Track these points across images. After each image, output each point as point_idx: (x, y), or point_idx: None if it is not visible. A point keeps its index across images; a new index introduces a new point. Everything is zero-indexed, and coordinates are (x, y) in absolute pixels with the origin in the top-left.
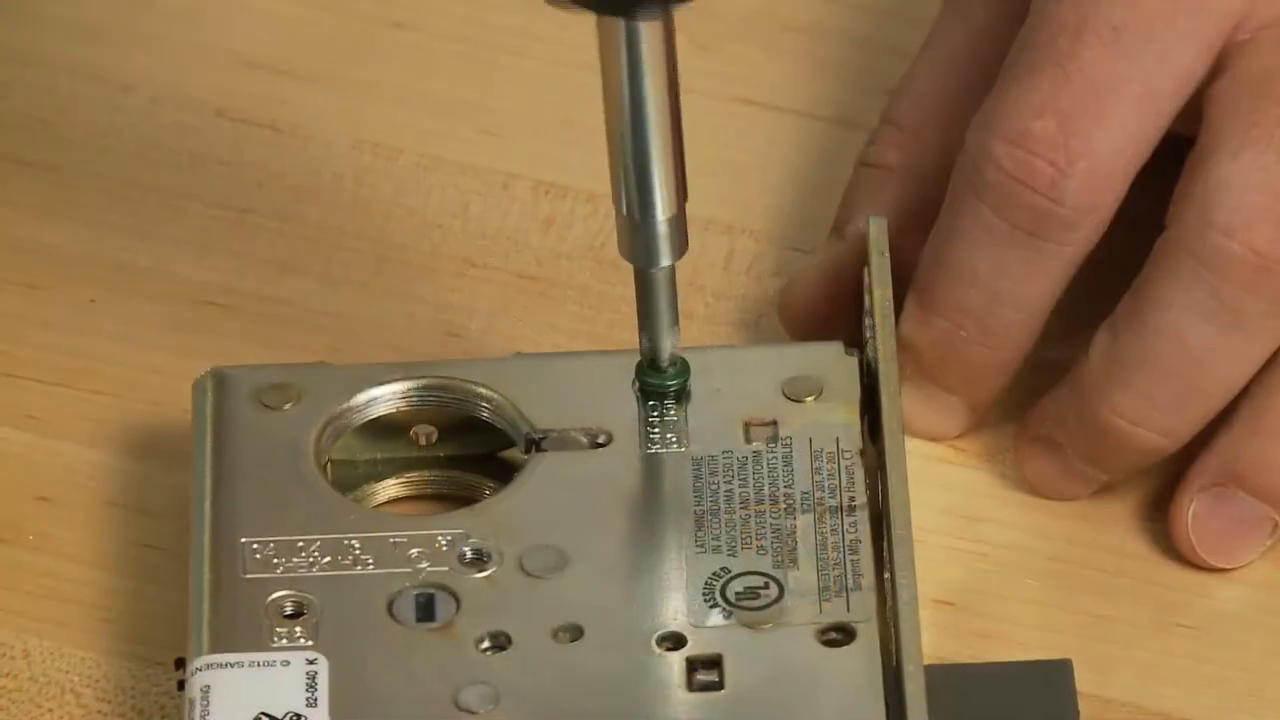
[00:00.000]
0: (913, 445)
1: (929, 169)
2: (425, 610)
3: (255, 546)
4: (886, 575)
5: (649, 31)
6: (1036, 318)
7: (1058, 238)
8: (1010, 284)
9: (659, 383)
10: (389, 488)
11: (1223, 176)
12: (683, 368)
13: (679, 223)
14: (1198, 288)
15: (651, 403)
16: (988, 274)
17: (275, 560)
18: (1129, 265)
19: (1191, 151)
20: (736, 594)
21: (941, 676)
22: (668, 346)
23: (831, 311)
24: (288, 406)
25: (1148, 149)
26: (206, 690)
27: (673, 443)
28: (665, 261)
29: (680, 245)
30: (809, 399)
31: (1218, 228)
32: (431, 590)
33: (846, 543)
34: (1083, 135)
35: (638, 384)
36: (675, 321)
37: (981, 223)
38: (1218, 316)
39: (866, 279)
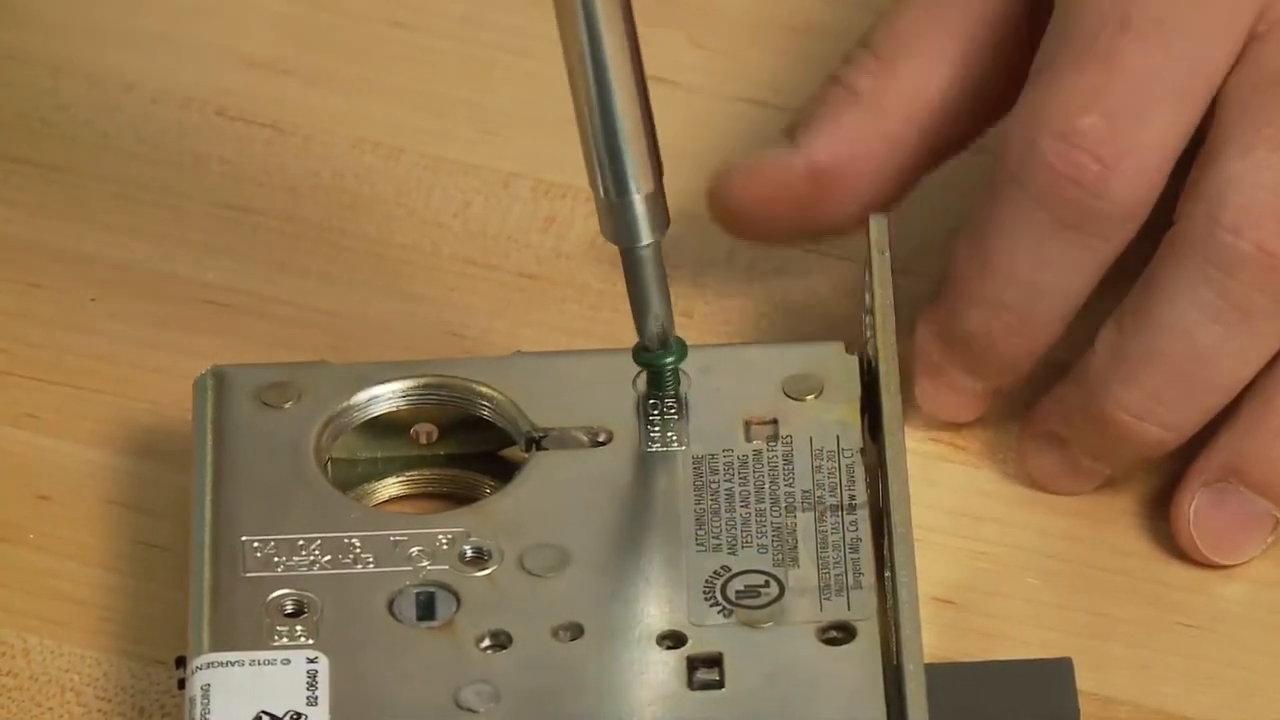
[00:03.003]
0: (913, 444)
1: (893, 104)
2: (426, 609)
3: (256, 545)
4: (887, 574)
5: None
6: (1072, 310)
7: (1103, 233)
8: (1051, 278)
9: (655, 361)
10: (389, 486)
11: (1232, 174)
12: (679, 346)
13: (658, 198)
14: (1205, 285)
15: (652, 401)
16: (1029, 268)
17: (276, 559)
18: (1132, 262)
19: (1202, 147)
20: (737, 592)
21: (942, 675)
22: (661, 325)
23: (760, 215)
24: (288, 405)
25: (1184, 142)
26: (207, 689)
27: (673, 441)
28: (647, 239)
29: (661, 221)
30: (809, 397)
31: (1226, 226)
32: (432, 589)
33: (847, 541)
34: (1129, 131)
35: (637, 382)
36: (666, 300)
37: (1026, 217)
38: (1224, 314)
39: (866, 278)
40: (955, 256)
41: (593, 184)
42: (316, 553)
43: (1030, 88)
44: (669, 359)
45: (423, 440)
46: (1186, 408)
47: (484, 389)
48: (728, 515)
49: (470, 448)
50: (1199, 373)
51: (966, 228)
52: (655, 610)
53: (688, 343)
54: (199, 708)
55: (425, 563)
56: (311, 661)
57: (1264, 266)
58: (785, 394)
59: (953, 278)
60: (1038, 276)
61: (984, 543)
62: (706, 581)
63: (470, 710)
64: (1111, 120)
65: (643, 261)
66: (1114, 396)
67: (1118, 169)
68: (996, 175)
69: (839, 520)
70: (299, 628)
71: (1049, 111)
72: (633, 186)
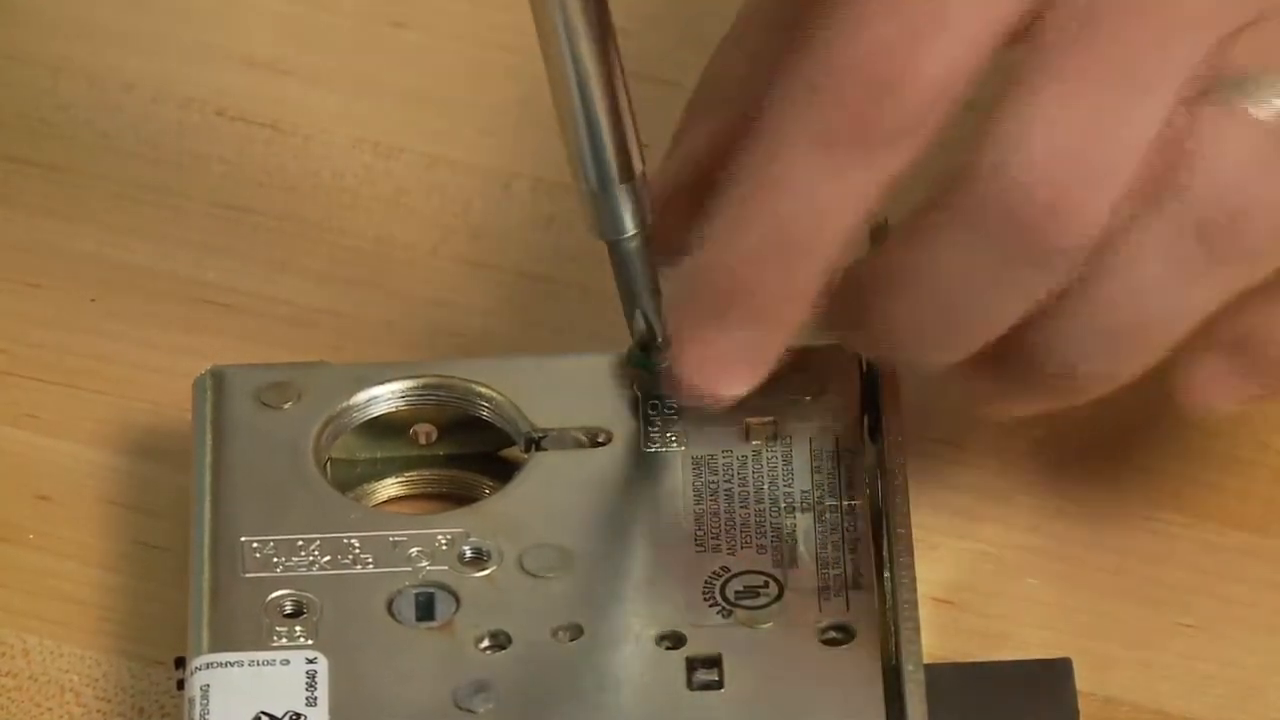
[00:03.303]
0: (913, 445)
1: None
2: (425, 609)
3: (255, 545)
4: (886, 574)
5: None
6: (842, 239)
7: (886, 148)
8: (829, 194)
9: (650, 364)
10: (389, 486)
11: (1024, 116)
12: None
13: (640, 189)
14: (977, 234)
15: (652, 401)
16: (807, 182)
17: (275, 559)
18: None
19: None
20: (736, 593)
21: (941, 676)
22: (650, 320)
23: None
24: (287, 405)
25: (986, 57)
26: (206, 689)
27: (672, 442)
28: (631, 229)
29: (645, 212)
30: (808, 398)
31: (1010, 174)
32: (431, 589)
33: (846, 541)
34: (924, 42)
35: (635, 384)
36: (656, 294)
37: (805, 128)
38: (992, 266)
39: None
40: (730, 182)
41: (575, 178)
42: (316, 553)
43: None
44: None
45: (422, 440)
46: (945, 342)
47: (483, 389)
48: (727, 515)
49: (470, 448)
50: (954, 309)
51: (743, 147)
52: (654, 610)
53: None
54: (198, 708)
55: (424, 563)
56: (311, 662)
57: (1042, 220)
58: (785, 394)
59: (724, 199)
60: (815, 193)
61: (984, 543)
62: (706, 582)
63: (469, 710)
64: (905, 27)
65: (629, 254)
66: (878, 307)
67: (908, 81)
68: (780, 85)
69: (838, 520)
70: (298, 628)
71: (840, 19)
72: (615, 177)
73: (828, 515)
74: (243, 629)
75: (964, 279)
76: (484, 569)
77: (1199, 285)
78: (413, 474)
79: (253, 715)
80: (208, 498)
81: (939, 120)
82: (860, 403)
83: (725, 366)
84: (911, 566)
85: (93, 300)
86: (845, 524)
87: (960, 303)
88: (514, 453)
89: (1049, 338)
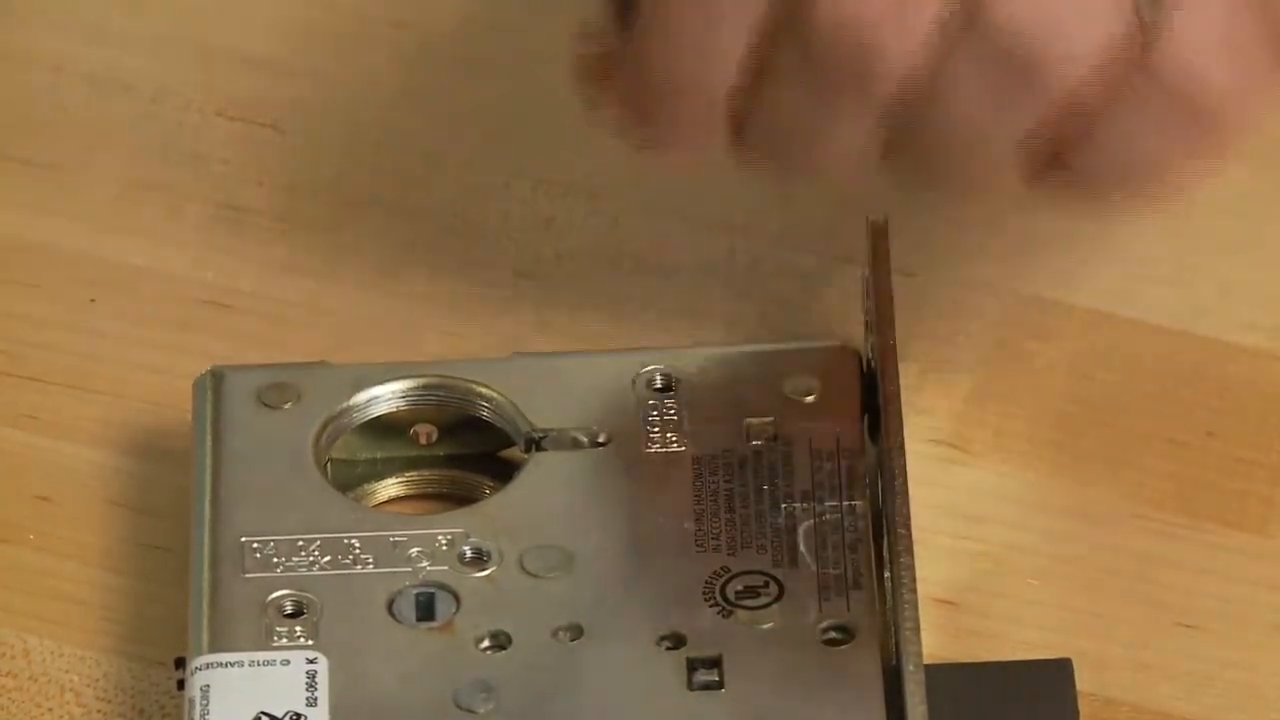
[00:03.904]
0: (913, 444)
1: None
2: (425, 609)
3: (255, 545)
4: (887, 574)
5: None
6: (743, 44)
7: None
8: (711, 38)
9: None
10: (389, 487)
11: None
12: None
13: None
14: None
15: (651, 401)
16: (690, 32)
17: (275, 559)
18: None
19: None
20: (736, 593)
21: (941, 676)
22: None
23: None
24: (288, 405)
25: None
26: (206, 689)
27: (672, 442)
28: None
29: None
30: (809, 398)
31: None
32: (432, 589)
33: (847, 542)
34: None
35: (636, 383)
36: None
37: None
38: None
39: (866, 279)
40: None
41: None
42: (316, 553)
43: None
44: None
45: (422, 441)
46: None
47: (483, 390)
48: (727, 516)
49: (470, 448)
50: (802, 133)
51: None
52: (655, 611)
53: (690, 342)
54: (198, 708)
55: (425, 563)
56: (311, 662)
57: (853, 58)
58: (785, 394)
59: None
60: (696, 39)
61: (984, 543)
62: (706, 582)
63: (469, 710)
64: None
65: None
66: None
67: None
68: None
69: (839, 520)
70: (298, 628)
71: None
72: None
73: (828, 515)
74: (243, 629)
75: (804, 107)
76: (484, 569)
77: (1014, 104)
78: (413, 474)
79: (253, 715)
80: (208, 498)
81: None
82: (860, 403)
83: (673, 132)
84: (911, 566)
85: (92, 300)
86: (845, 524)
87: (806, 126)
88: (514, 453)
89: (896, 146)
